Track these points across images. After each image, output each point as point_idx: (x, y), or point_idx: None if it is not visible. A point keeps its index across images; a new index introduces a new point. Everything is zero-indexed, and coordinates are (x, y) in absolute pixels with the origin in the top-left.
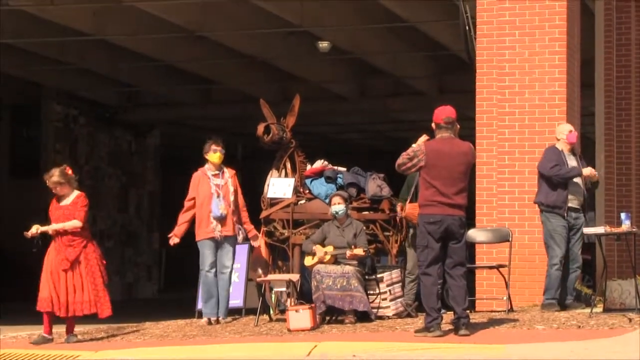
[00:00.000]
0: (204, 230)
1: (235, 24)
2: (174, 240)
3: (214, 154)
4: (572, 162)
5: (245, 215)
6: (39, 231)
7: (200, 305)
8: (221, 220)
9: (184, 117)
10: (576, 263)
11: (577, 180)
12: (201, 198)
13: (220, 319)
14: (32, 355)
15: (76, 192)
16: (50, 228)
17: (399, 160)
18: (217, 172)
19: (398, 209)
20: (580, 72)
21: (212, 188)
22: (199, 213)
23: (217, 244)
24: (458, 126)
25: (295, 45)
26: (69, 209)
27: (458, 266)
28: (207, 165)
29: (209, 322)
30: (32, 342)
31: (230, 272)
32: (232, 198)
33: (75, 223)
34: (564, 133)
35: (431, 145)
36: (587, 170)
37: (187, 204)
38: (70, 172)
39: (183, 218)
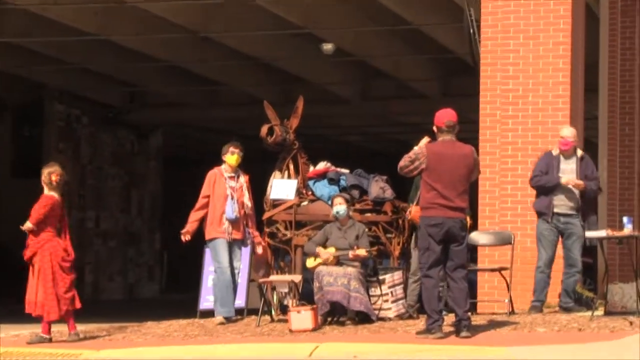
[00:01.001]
0: (216, 229)
1: (240, 26)
2: (185, 237)
3: (232, 156)
4: (567, 166)
5: (253, 222)
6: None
7: (202, 305)
8: (233, 222)
9: (188, 118)
10: (574, 267)
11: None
12: (216, 198)
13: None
14: (35, 354)
15: (45, 193)
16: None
17: (401, 163)
18: (233, 174)
19: (408, 212)
20: (585, 76)
21: (228, 190)
22: (212, 212)
23: (228, 245)
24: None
25: (300, 47)
26: (34, 208)
27: (459, 269)
28: (223, 166)
29: (225, 321)
30: (27, 342)
31: (238, 274)
32: (248, 203)
33: (27, 224)
34: (558, 138)
35: (432, 148)
36: (564, 179)
37: (201, 200)
38: (53, 178)
39: (195, 216)
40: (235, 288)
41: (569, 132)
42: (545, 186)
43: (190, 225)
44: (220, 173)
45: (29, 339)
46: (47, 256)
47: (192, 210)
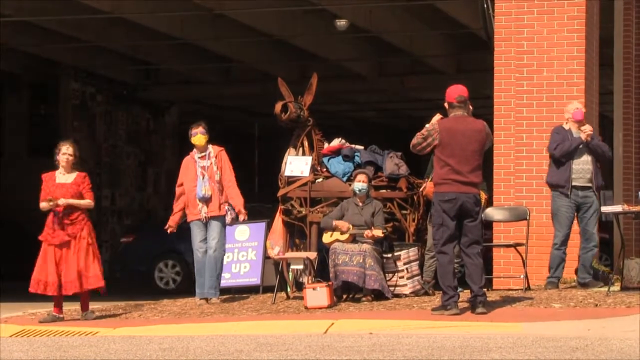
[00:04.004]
0: (192, 212)
1: (254, 2)
2: (170, 230)
3: (194, 137)
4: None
5: (232, 192)
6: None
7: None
8: (206, 201)
9: (203, 95)
10: (591, 242)
11: (584, 157)
12: (189, 181)
13: (212, 299)
14: (52, 332)
15: (77, 172)
16: (67, 202)
17: (414, 141)
18: (202, 154)
19: (422, 188)
20: (600, 51)
21: (198, 170)
22: (189, 196)
23: (205, 224)
24: (471, 107)
25: (314, 24)
26: (72, 187)
27: (474, 244)
28: (194, 149)
29: (205, 301)
30: (40, 321)
31: (218, 251)
32: (217, 178)
33: (90, 203)
34: (570, 112)
35: (445, 123)
36: (581, 134)
37: (177, 190)
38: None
39: (177, 206)
40: (216, 266)
41: (578, 104)
42: (569, 150)
43: (172, 218)
44: (192, 157)
45: (41, 318)
46: (86, 230)
47: (173, 202)
